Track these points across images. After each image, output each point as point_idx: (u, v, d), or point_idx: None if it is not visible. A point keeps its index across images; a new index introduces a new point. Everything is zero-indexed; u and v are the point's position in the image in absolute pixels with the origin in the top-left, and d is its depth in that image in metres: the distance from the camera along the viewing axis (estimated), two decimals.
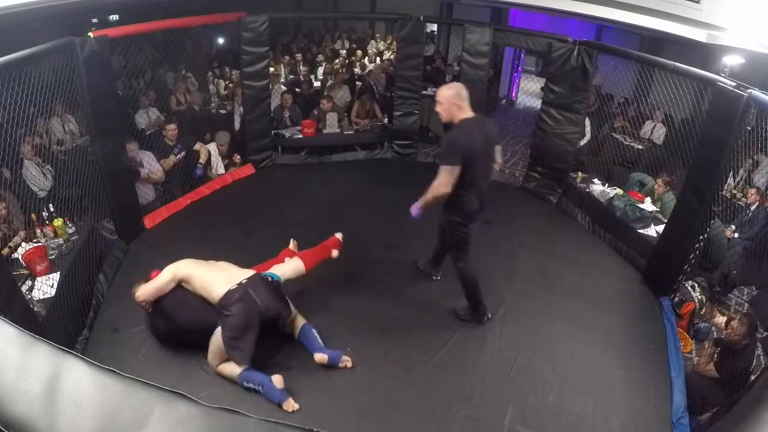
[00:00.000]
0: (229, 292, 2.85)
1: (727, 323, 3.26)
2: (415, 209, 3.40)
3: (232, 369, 2.88)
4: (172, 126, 4.92)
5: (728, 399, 2.78)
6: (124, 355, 3.07)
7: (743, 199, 4.77)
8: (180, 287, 2.95)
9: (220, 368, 2.92)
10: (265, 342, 3.19)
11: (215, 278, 2.93)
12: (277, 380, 2.81)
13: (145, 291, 2.91)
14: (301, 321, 3.24)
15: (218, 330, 2.86)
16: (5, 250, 3.33)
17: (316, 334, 3.18)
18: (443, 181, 3.14)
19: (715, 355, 3.12)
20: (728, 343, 3.05)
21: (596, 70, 4.93)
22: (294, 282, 3.52)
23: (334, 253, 3.63)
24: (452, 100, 3.13)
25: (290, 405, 2.78)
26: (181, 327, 2.97)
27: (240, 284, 2.89)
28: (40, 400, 0.77)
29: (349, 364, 3.07)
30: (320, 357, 3.05)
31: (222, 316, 2.84)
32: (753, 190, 4.52)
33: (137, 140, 4.68)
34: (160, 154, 4.85)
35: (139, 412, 0.76)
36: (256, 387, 2.83)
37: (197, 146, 5.21)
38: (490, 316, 3.61)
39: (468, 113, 3.16)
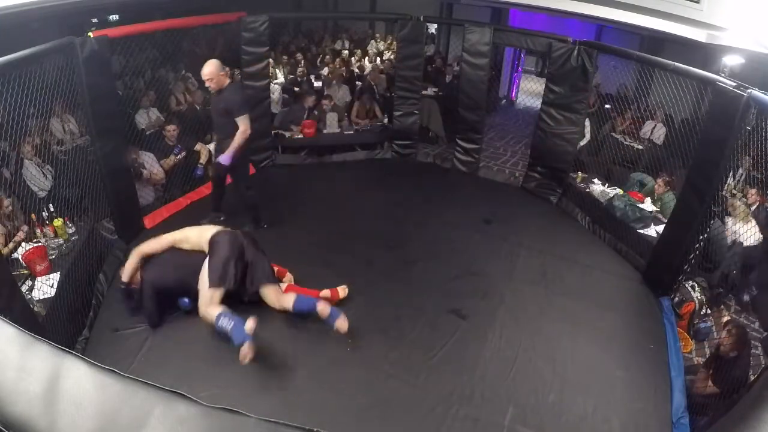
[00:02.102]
0: (219, 232, 3.31)
1: (725, 325, 3.24)
2: (225, 158, 4.01)
3: (212, 312, 3.02)
4: (172, 126, 4.93)
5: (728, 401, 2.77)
6: (124, 355, 3.07)
7: (743, 199, 4.77)
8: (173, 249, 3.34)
9: (204, 312, 3.07)
10: (267, 342, 3.20)
11: (207, 231, 3.36)
12: (249, 324, 2.86)
13: (147, 244, 3.33)
14: (292, 296, 3.34)
15: (205, 267, 3.16)
16: (10, 246, 3.36)
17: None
18: (246, 126, 3.97)
19: (711, 374, 3.09)
20: (719, 356, 3.03)
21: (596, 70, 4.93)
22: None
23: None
24: (218, 72, 3.91)
25: (246, 350, 2.79)
26: (173, 277, 3.24)
27: (229, 230, 3.38)
28: (40, 400, 0.77)
29: (343, 329, 3.14)
30: (322, 307, 3.16)
31: (210, 250, 3.20)
32: (753, 191, 4.51)
33: (137, 140, 4.68)
34: (160, 154, 4.85)
35: (139, 412, 0.76)
36: (228, 324, 2.89)
37: (198, 146, 5.21)
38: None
39: (229, 78, 4.06)
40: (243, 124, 3.96)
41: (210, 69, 3.89)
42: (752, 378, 2.83)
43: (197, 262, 3.23)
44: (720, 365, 2.99)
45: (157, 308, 3.26)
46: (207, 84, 3.96)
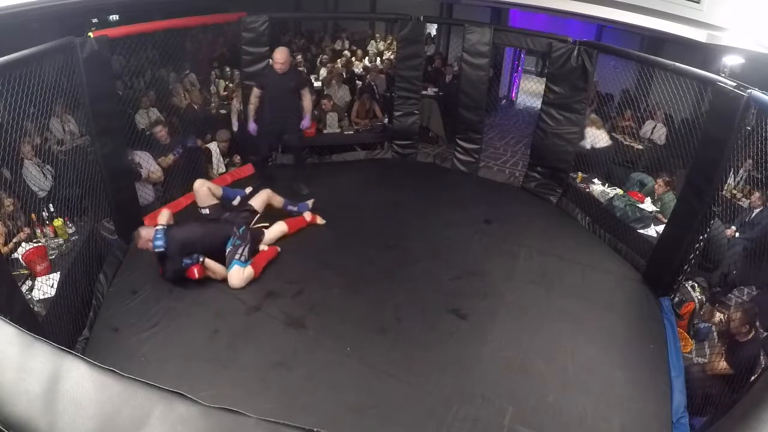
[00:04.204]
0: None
1: (728, 320, 3.27)
2: (307, 121, 4.98)
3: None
4: (159, 128, 4.89)
5: (736, 393, 2.79)
6: (124, 355, 3.07)
7: (743, 200, 4.77)
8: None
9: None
10: (267, 342, 3.21)
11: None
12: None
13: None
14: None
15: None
16: (10, 245, 3.36)
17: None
18: (311, 96, 5.09)
19: (724, 351, 3.12)
20: (732, 336, 3.06)
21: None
22: (294, 282, 3.52)
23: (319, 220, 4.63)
24: (289, 57, 4.76)
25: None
26: (193, 237, 3.69)
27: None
28: (40, 400, 0.77)
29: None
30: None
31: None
32: (757, 194, 4.51)
33: (138, 140, 4.68)
34: (160, 154, 4.84)
35: (139, 412, 0.76)
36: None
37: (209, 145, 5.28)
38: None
39: None
40: (308, 92, 4.95)
41: (286, 55, 4.67)
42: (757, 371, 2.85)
43: (215, 228, 3.86)
44: (732, 343, 3.01)
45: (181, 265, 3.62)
46: (279, 68, 4.64)
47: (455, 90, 6.04)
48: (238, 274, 3.70)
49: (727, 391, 2.88)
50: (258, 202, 4.25)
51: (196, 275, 3.64)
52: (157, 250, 3.56)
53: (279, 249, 4.15)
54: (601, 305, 3.84)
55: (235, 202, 4.25)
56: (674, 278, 3.85)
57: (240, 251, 3.74)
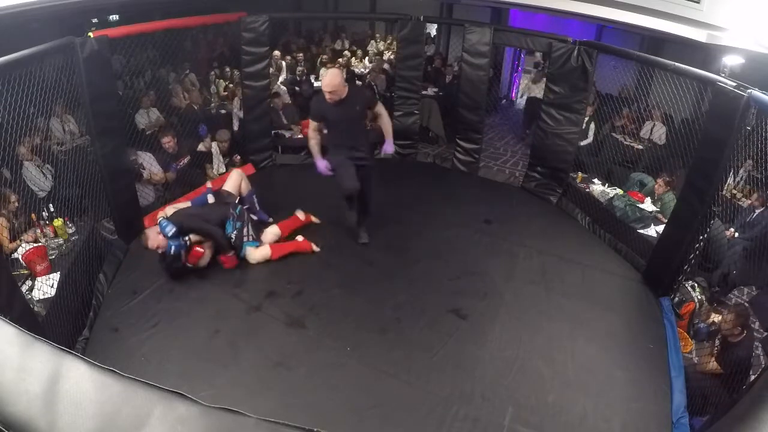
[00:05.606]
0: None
1: (720, 322, 3.28)
2: (391, 146, 4.11)
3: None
4: (167, 138, 4.85)
5: (731, 393, 2.79)
6: (124, 355, 3.07)
7: (743, 200, 4.77)
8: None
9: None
10: (267, 342, 3.20)
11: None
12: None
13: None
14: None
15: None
16: (16, 242, 3.38)
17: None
18: (385, 110, 4.12)
19: (715, 350, 3.14)
20: (725, 336, 3.07)
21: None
22: (294, 282, 3.51)
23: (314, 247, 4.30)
24: (342, 83, 3.70)
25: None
26: (194, 217, 3.81)
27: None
28: (40, 400, 0.77)
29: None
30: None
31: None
32: (755, 196, 4.51)
33: (138, 140, 4.68)
34: (160, 156, 4.84)
35: (139, 412, 0.76)
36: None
37: (210, 147, 5.25)
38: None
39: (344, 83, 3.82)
40: (384, 109, 4.08)
41: (334, 82, 3.62)
42: (753, 374, 2.85)
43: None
44: (725, 344, 3.02)
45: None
46: (330, 98, 3.65)
47: (455, 90, 6.04)
48: (252, 255, 3.92)
49: (723, 391, 2.89)
50: (231, 185, 4.25)
51: (194, 258, 3.74)
52: (171, 234, 3.64)
53: (316, 248, 4.23)
54: (601, 305, 3.84)
55: (210, 200, 4.27)
56: (674, 278, 3.85)
57: (245, 233, 3.87)
